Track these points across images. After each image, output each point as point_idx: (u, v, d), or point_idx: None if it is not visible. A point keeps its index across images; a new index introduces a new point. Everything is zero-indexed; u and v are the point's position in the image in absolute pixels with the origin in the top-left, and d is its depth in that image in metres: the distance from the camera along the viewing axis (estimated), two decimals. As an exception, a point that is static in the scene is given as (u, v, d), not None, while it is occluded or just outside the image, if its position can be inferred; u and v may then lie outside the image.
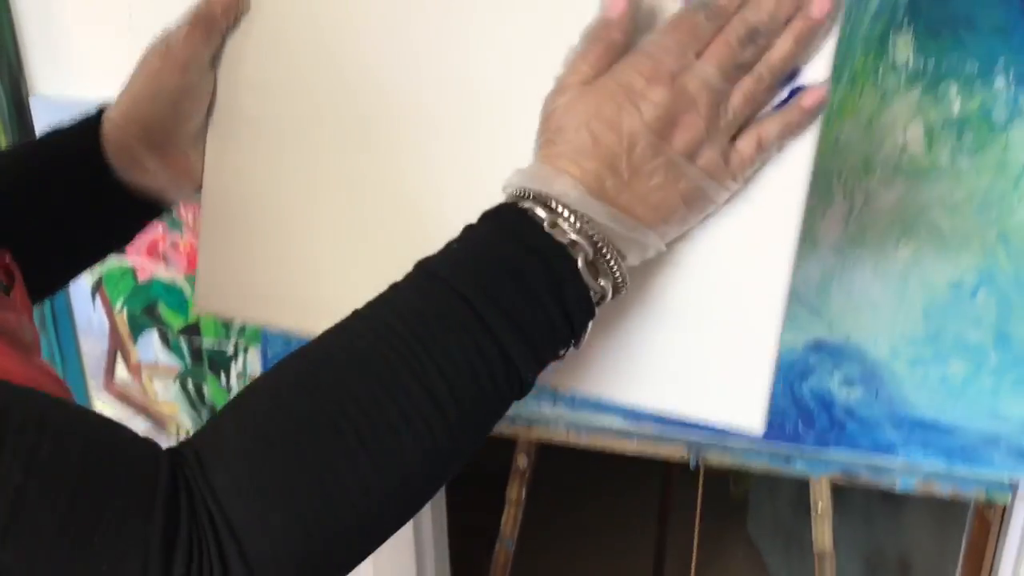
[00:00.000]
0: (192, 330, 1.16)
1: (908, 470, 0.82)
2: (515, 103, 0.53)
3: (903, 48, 0.73)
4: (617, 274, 0.48)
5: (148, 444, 0.42)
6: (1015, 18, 0.70)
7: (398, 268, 0.51)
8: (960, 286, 0.76)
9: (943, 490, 0.81)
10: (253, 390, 0.45)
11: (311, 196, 0.64)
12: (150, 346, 1.19)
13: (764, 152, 0.49)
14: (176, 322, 1.16)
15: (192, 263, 1.12)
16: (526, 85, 0.53)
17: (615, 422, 0.90)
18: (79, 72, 1.08)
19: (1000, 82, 0.72)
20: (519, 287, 0.46)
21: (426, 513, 1.13)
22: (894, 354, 0.79)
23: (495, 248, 0.47)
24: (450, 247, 0.48)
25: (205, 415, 1.20)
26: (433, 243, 0.50)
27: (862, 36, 0.74)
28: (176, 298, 1.15)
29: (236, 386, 1.17)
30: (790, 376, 0.82)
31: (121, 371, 1.23)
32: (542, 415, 0.91)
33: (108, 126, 0.64)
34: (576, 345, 0.49)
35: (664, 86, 0.47)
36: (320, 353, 0.46)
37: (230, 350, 1.15)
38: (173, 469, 0.41)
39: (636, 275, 0.52)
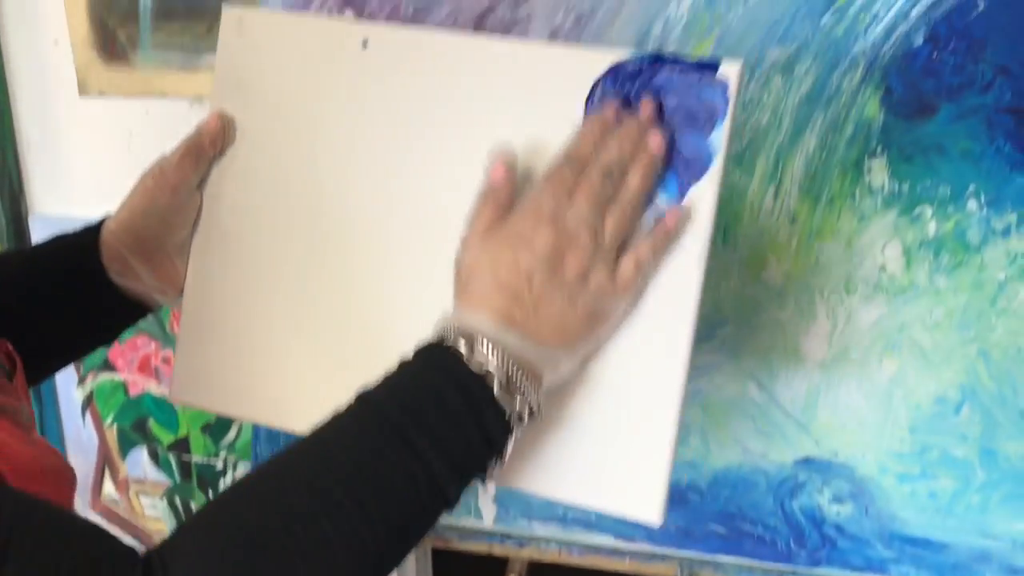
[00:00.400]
0: (181, 446, 1.15)
1: (902, 588, 0.82)
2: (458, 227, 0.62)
3: (878, 172, 0.76)
4: (531, 395, 0.55)
5: (126, 553, 0.48)
6: (983, 145, 0.74)
7: (354, 369, 0.59)
8: (944, 402, 0.77)
9: (938, 609, 0.81)
10: (213, 504, 0.52)
11: (279, 304, 0.72)
12: (139, 462, 1.19)
13: (643, 270, 0.58)
14: (166, 438, 1.16)
15: (184, 378, 1.13)
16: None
17: (607, 541, 0.89)
18: (79, 192, 1.11)
19: (972, 204, 0.74)
20: (441, 413, 0.53)
21: (415, 634, 1.11)
22: (882, 470, 0.79)
23: (422, 379, 0.55)
24: (386, 378, 0.56)
25: (192, 532, 1.18)
26: (383, 346, 0.59)
27: (838, 160, 0.77)
28: (167, 413, 1.15)
29: (224, 502, 1.16)
30: (780, 493, 0.82)
31: (108, 487, 1.22)
32: (533, 534, 0.90)
33: (106, 235, 0.73)
34: (500, 461, 0.56)
35: (548, 227, 0.57)
36: (271, 473, 0.53)
37: (219, 465, 1.15)
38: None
39: None
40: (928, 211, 0.76)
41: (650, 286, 0.59)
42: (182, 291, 0.75)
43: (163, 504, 1.19)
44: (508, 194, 0.60)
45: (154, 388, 1.15)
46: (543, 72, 0.63)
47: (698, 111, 0.59)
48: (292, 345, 0.71)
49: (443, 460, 0.52)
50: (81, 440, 1.20)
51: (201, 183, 0.73)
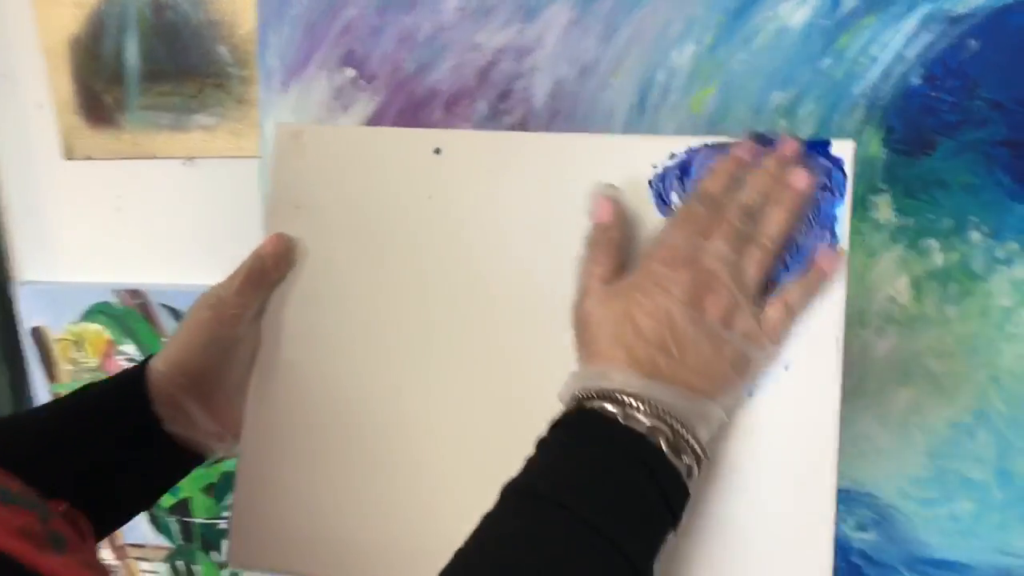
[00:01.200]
0: (182, 508, 1.13)
1: (928, 610, 0.84)
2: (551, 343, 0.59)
3: (884, 208, 0.79)
4: (697, 448, 0.50)
5: None
6: (982, 178, 0.76)
7: (441, 514, 0.56)
8: (959, 427, 0.80)
9: (964, 628, 0.83)
10: None
11: (353, 445, 0.65)
12: (137, 527, 1.16)
13: (792, 314, 0.55)
14: (166, 501, 1.14)
15: (183, 440, 1.11)
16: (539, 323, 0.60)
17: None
18: (66, 257, 1.09)
19: (976, 235, 0.77)
20: (616, 485, 0.48)
21: None
22: (903, 496, 0.82)
23: (580, 453, 0.49)
24: (534, 463, 0.50)
25: (196, 595, 1.17)
26: (469, 488, 0.53)
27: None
28: (166, 476, 1.13)
29: (229, 563, 1.14)
30: (806, 524, 0.84)
31: (106, 554, 1.19)
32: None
33: (156, 377, 0.64)
34: (675, 527, 0.50)
35: (685, 268, 0.53)
36: None
37: (223, 524, 1.13)
38: None
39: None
40: (934, 244, 0.78)
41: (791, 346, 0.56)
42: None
43: (165, 568, 1.17)
44: (620, 230, 0.57)
45: (152, 451, 1.13)
46: (629, 161, 0.61)
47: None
48: (368, 491, 0.64)
49: (632, 535, 0.47)
50: (75, 508, 1.17)
51: (259, 312, 0.67)
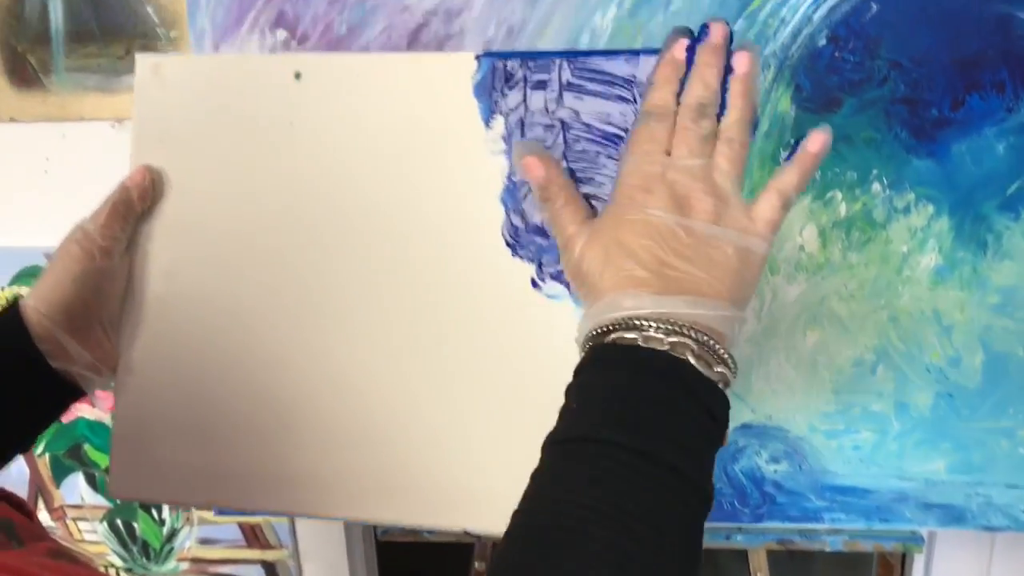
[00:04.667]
0: (120, 467, 1.15)
1: (834, 532, 0.91)
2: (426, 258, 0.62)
3: (793, 163, 0.84)
4: (725, 355, 0.49)
5: None
6: (883, 133, 0.82)
7: (320, 435, 0.60)
8: (861, 364, 0.86)
9: (866, 547, 0.90)
10: None
11: (221, 376, 0.68)
12: (75, 488, 1.17)
13: (786, 200, 0.55)
14: (103, 461, 1.15)
15: (119, 400, 1.12)
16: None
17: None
18: (-7, 220, 1.08)
19: (876, 187, 0.83)
20: (657, 408, 0.47)
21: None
22: (812, 429, 0.88)
23: (611, 387, 0.48)
24: (567, 409, 0.49)
25: (136, 552, 1.18)
26: (350, 410, 0.59)
27: (756, 152, 0.84)
28: (102, 437, 1.14)
29: (169, 520, 1.16)
30: (723, 459, 0.90)
31: (43, 516, 1.20)
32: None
33: (31, 314, 0.66)
34: (724, 435, 0.51)
35: (659, 186, 0.52)
36: (533, 557, 0.44)
37: (161, 483, 1.15)
38: None
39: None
40: (839, 195, 0.84)
41: None
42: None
43: (103, 527, 1.18)
44: (563, 176, 0.56)
45: (88, 412, 1.13)
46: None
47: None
48: (241, 420, 0.67)
49: (690, 457, 0.46)
50: (10, 473, 1.18)
51: (129, 244, 0.69)
